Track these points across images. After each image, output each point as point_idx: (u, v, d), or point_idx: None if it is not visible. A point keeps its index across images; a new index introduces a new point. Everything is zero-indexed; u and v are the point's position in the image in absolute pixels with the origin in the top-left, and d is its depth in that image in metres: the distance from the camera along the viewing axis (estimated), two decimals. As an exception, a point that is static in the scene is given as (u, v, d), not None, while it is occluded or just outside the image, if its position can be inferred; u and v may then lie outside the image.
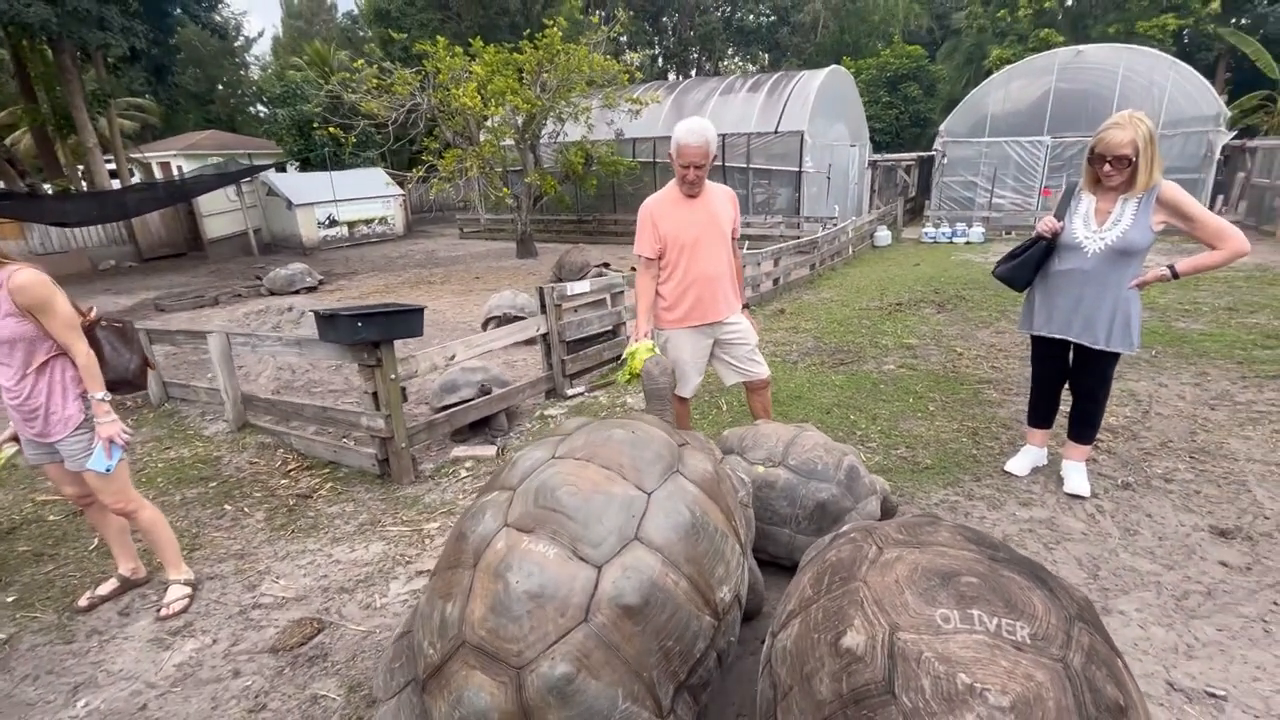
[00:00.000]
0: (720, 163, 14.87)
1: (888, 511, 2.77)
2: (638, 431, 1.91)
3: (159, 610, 2.65)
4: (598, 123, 13.37)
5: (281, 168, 19.85)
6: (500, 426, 4.71)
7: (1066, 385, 3.08)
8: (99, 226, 14.99)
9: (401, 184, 19.15)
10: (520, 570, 1.45)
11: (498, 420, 4.72)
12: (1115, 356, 2.75)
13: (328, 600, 2.72)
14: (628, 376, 2.78)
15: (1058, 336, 2.84)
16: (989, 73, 22.26)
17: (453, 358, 4.34)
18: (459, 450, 4.36)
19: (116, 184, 17.07)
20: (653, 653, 1.47)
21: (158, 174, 22.41)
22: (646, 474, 1.74)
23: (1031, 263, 2.86)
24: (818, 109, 14.34)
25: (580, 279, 10.84)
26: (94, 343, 2.46)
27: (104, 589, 2.75)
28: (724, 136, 14.66)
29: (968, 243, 13.77)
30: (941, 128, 15.45)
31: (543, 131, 13.04)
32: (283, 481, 4.01)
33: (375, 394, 3.78)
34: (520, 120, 12.09)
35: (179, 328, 5.81)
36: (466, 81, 10.46)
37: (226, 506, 3.66)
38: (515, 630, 1.39)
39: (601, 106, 12.50)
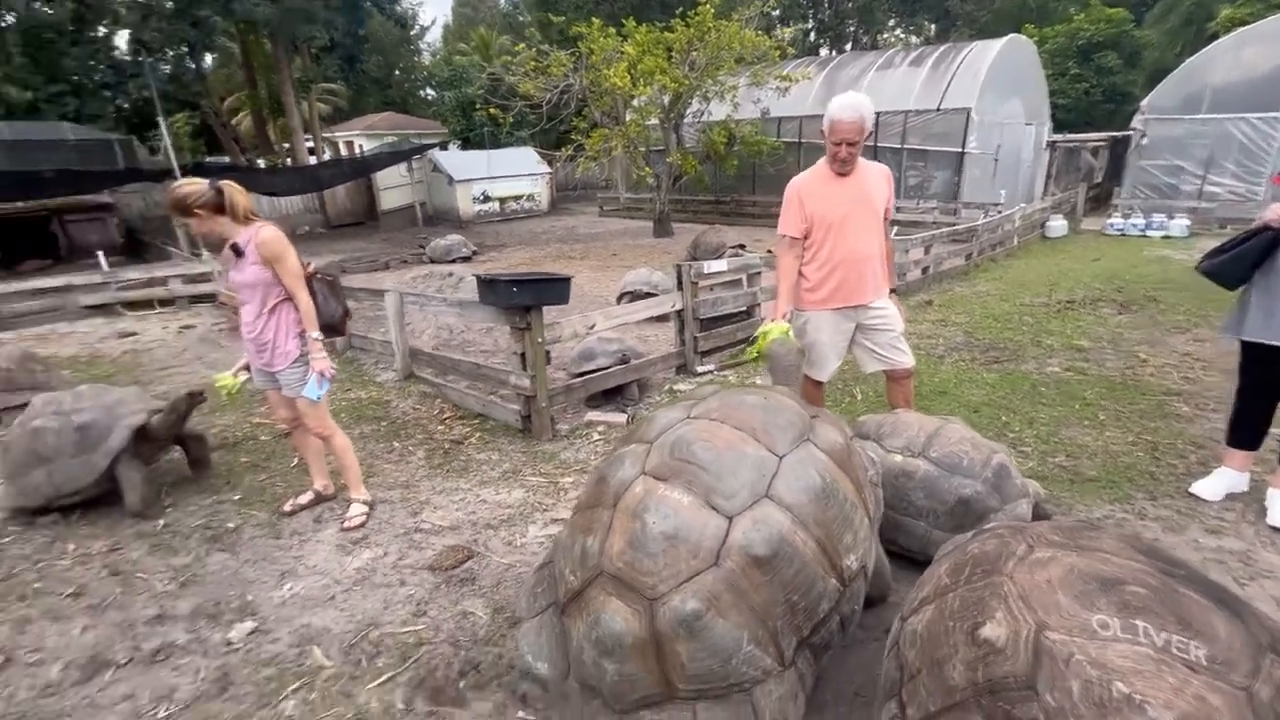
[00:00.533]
0: (872, 142, 14.04)
1: (1039, 517, 2.56)
2: (770, 399, 1.94)
3: (342, 522, 3.11)
4: (743, 101, 13.15)
5: (445, 146, 21.69)
6: (632, 396, 4.91)
7: (1282, 402, 2.64)
8: (298, 197, 17.33)
9: (550, 162, 20.13)
10: (657, 512, 1.55)
11: (629, 390, 4.92)
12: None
13: (476, 534, 3.04)
14: (755, 354, 2.80)
15: (1278, 343, 2.43)
16: (1213, 37, 18.86)
17: (593, 327, 4.57)
18: (592, 415, 4.60)
19: (313, 160, 19.61)
20: (778, 604, 1.52)
21: (343, 151, 25.43)
22: (779, 438, 1.77)
23: (1249, 257, 2.46)
24: (989, 83, 13.03)
25: (716, 259, 10.86)
26: (310, 293, 2.91)
27: (302, 499, 3.27)
28: (879, 115, 13.80)
29: (1165, 236, 11.91)
30: (1143, 103, 13.42)
31: (687, 111, 13.07)
32: (439, 427, 4.47)
33: (523, 355, 4.10)
34: (666, 100, 12.20)
35: (360, 286, 6.62)
36: (618, 62, 10.73)
37: (394, 444, 4.17)
38: (650, 565, 1.50)
39: (749, 85, 12.26)
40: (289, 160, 19.94)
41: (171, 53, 20.84)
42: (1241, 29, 13.17)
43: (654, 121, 12.83)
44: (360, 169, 15.90)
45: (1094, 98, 23.31)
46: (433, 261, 12.79)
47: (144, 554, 2.92)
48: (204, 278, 8.95)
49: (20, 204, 13.21)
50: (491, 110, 12.72)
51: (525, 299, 3.80)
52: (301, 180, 14.71)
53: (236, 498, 3.41)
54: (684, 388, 5.10)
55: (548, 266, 11.78)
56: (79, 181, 13.12)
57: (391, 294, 5.11)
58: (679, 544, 1.51)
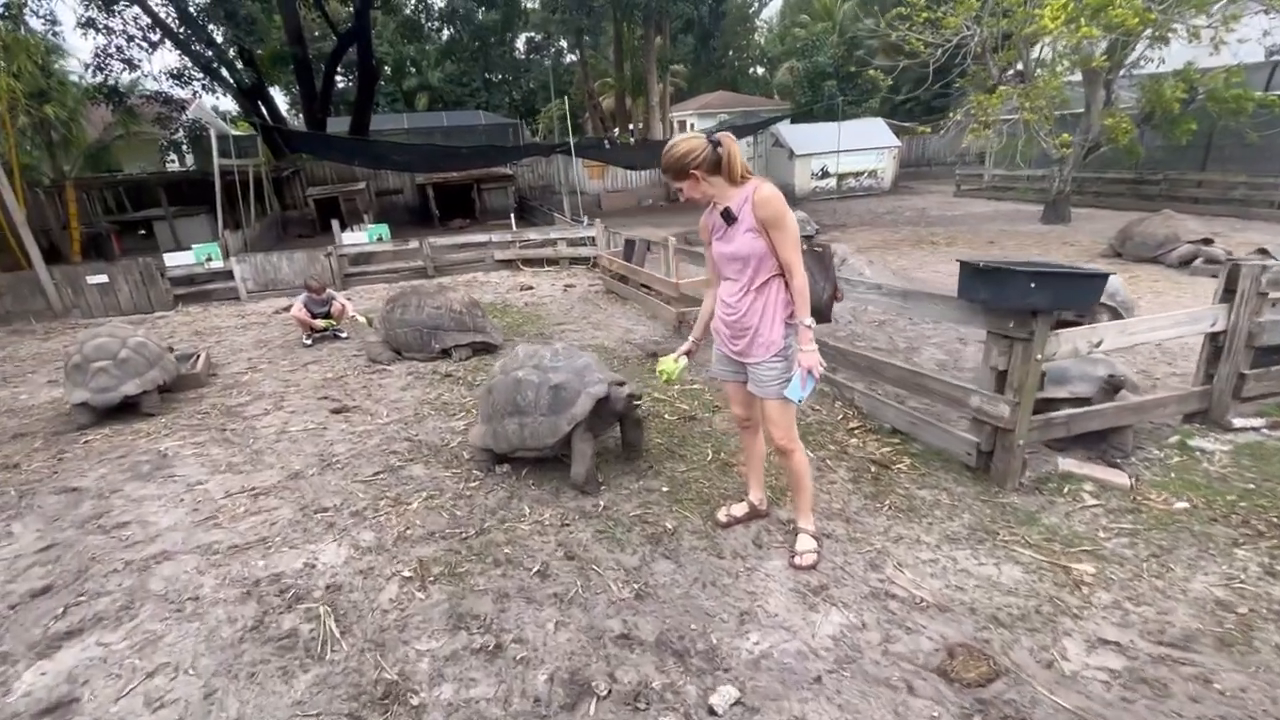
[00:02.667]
0: None
1: None
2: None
3: (793, 557, 2.52)
4: (1207, 41, 9.47)
5: (792, 120, 21.08)
6: (1123, 446, 3.49)
7: None
8: (644, 172, 18.53)
9: (902, 134, 18.00)
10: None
11: (1120, 437, 3.50)
12: None
13: (982, 629, 2.16)
14: None
15: None
16: None
17: (1099, 344, 3.26)
18: (1070, 464, 3.34)
19: (663, 137, 20.82)
20: None
21: (683, 130, 26.69)
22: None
23: None
24: None
25: (1165, 256, 8.06)
26: (796, 268, 2.31)
27: (737, 510, 2.80)
28: None
29: None
30: None
31: (1127, 58, 9.98)
32: (851, 439, 3.71)
33: (1002, 373, 3.04)
34: (1103, 45, 9.41)
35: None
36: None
37: (809, 452, 3.53)
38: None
39: (1231, 14, 8.70)
40: (645, 138, 21.51)
41: (554, 49, 24.10)
42: None
43: (1076, 76, 10.09)
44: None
45: None
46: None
47: (591, 539, 2.74)
48: (585, 241, 9.78)
49: (454, 174, 16.56)
50: (873, 72, 11.40)
51: (1041, 301, 2.72)
52: (652, 155, 15.51)
53: (665, 489, 3.11)
54: (1207, 446, 3.46)
55: (906, 251, 10.26)
56: (489, 157, 15.85)
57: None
58: None
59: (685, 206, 18.32)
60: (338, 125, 19.51)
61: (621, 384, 3.04)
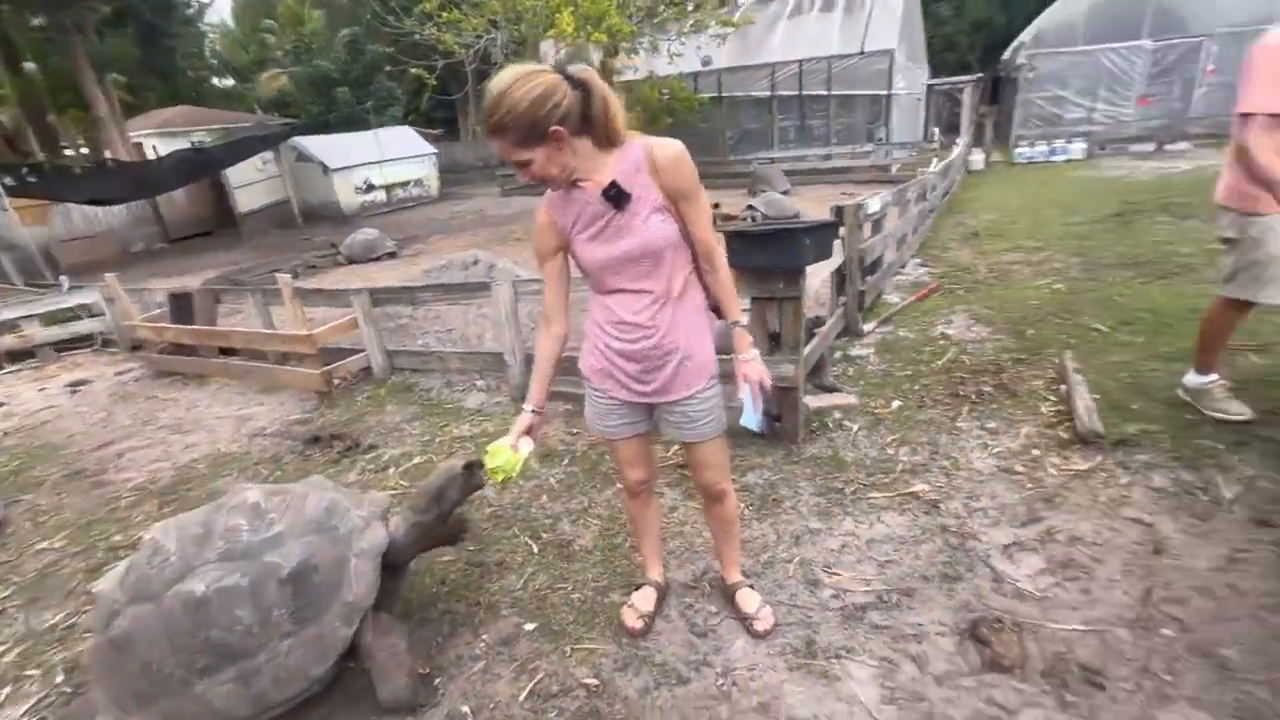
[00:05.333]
0: (798, 92, 13.88)
1: None
2: None
3: (751, 623, 1.94)
4: (670, 52, 12.21)
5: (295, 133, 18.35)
6: (827, 373, 4.01)
7: None
8: (123, 207, 13.66)
9: (433, 140, 17.84)
10: None
11: (823, 366, 4.02)
12: None
13: (950, 584, 2.04)
14: None
15: None
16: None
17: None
18: (814, 402, 3.65)
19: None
20: None
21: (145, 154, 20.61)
22: None
23: None
24: (904, 24, 13.34)
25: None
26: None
27: (643, 603, 2.03)
28: (801, 63, 13.65)
29: (1067, 160, 13.05)
30: (1025, 37, 14.52)
31: (617, 63, 11.92)
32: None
33: (778, 334, 3.05)
34: (601, 54, 10.96)
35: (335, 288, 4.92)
36: (564, 5, 9.28)
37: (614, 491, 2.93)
38: None
39: (688, 32, 11.37)
40: (106, 160, 15.72)
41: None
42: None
43: (587, 79, 11.52)
44: (213, 161, 12.73)
45: (935, 46, 25.35)
46: (351, 261, 10.68)
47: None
48: (75, 314, 6.43)
49: None
50: (416, 69, 10.54)
51: (811, 256, 2.75)
52: (138, 183, 11.44)
53: (533, 627, 2.05)
54: (860, 353, 4.28)
55: (502, 250, 10.19)
56: None
57: (503, 286, 3.70)
58: None
59: (197, 246, 14.27)
60: None
61: (438, 499, 1.83)
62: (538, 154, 1.39)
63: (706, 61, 12.66)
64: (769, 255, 2.73)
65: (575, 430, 3.52)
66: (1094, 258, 5.59)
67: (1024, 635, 1.82)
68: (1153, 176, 9.66)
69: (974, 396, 3.41)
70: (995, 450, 2.87)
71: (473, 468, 1.72)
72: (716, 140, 14.74)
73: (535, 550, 2.47)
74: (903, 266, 6.20)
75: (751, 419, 1.66)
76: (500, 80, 1.34)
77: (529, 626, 2.04)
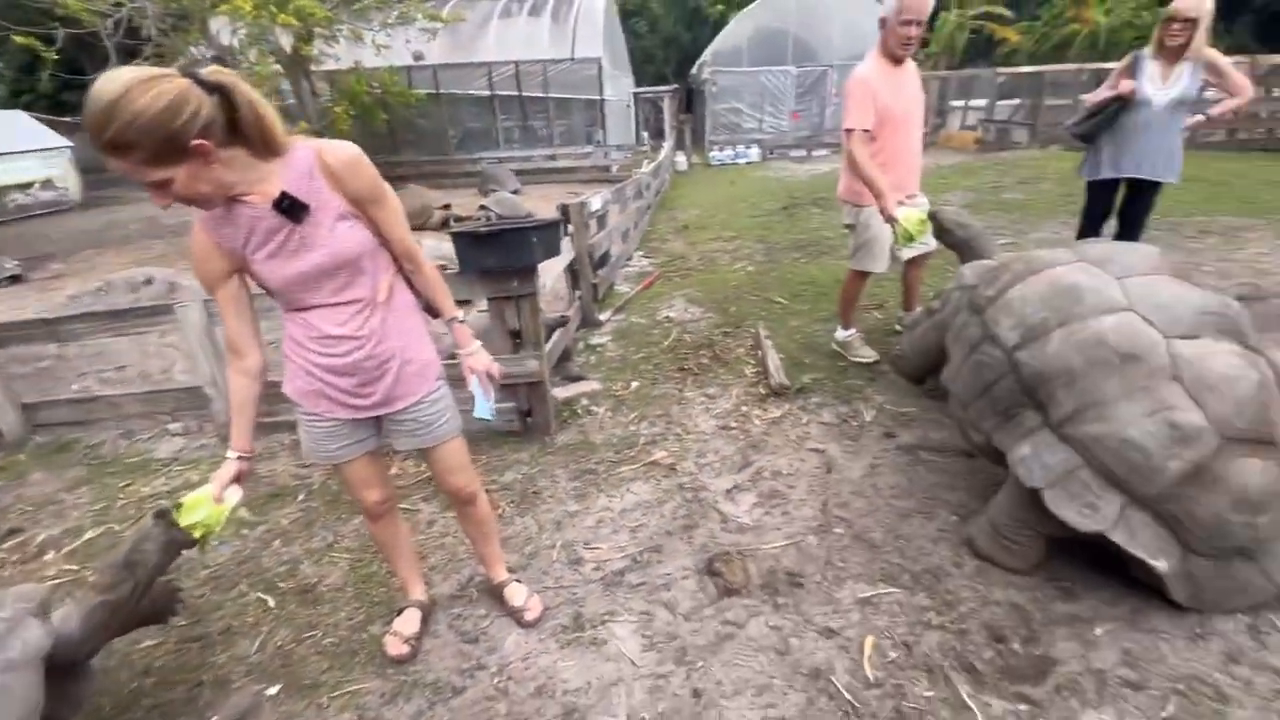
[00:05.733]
0: (517, 93, 14.07)
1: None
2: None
3: (521, 614, 1.99)
4: (376, 43, 11.39)
5: None
6: (570, 362, 4.24)
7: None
8: None
9: (66, 130, 13.98)
10: None
11: (568, 357, 4.23)
12: (1160, 186, 3.70)
13: (704, 545, 2.35)
14: (906, 239, 2.83)
15: (1127, 176, 3.68)
16: (695, 10, 24.52)
17: (544, 286, 3.72)
18: (561, 393, 3.83)
19: None
20: None
21: None
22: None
23: (1108, 120, 3.62)
24: (606, 34, 14.37)
25: (427, 224, 9.52)
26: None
27: (407, 626, 1.94)
28: (517, 64, 13.86)
29: (748, 163, 15.54)
30: (706, 56, 16.77)
31: (314, 52, 10.73)
32: (399, 475, 3.08)
33: (517, 332, 3.12)
34: (291, 39, 9.75)
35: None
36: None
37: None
38: None
39: (394, 23, 10.70)
40: None
41: None
42: (751, 6, 17.35)
43: (277, 67, 10.15)
44: None
45: (636, 59, 27.87)
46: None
47: None
48: None
49: None
50: (22, 38, 7.89)
51: (541, 253, 2.87)
52: None
53: (277, 690, 1.79)
54: (600, 341, 4.62)
55: (180, 266, 8.47)
56: None
57: (191, 307, 3.11)
58: None
59: None
60: None
61: (122, 576, 1.46)
62: (179, 173, 1.20)
63: (418, 56, 12.09)
64: (499, 256, 2.77)
65: (308, 463, 3.15)
66: (772, 243, 6.78)
67: (746, 561, 2.19)
68: (807, 177, 12.03)
69: (695, 369, 3.91)
70: (714, 412, 3.34)
71: (166, 516, 1.45)
72: (440, 139, 14.21)
73: (272, 604, 2.17)
74: (629, 259, 6.78)
75: (485, 409, 1.69)
76: (108, 87, 1.11)
77: (272, 691, 1.80)
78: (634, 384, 3.83)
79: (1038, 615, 1.81)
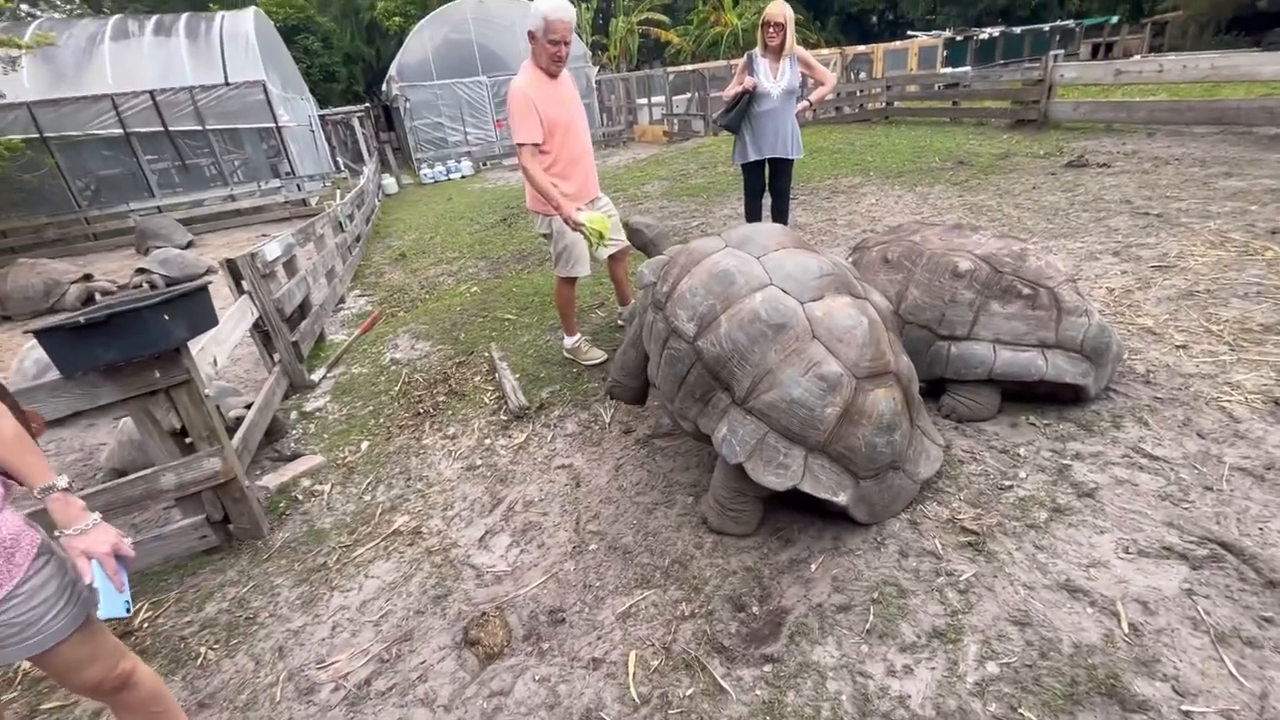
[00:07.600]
0: (162, 128, 11.68)
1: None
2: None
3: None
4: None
5: None
6: (282, 437, 3.64)
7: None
8: None
9: None
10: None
11: (281, 433, 3.63)
12: (793, 162, 4.39)
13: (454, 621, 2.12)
14: (598, 239, 2.89)
15: (766, 157, 4.29)
16: (372, 24, 23.18)
17: (214, 362, 3.08)
18: (274, 480, 3.26)
19: None
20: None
21: None
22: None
23: (741, 112, 4.17)
24: (264, 56, 12.67)
25: (61, 302, 7.50)
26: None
27: None
28: (153, 94, 11.51)
29: (463, 176, 15.15)
30: (392, 72, 15.84)
31: None
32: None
33: (181, 430, 2.53)
34: None
35: None
36: None
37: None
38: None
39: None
40: None
41: None
42: (431, 15, 16.77)
43: None
44: None
45: (315, 77, 25.27)
46: None
47: None
48: None
49: None
50: None
51: (185, 330, 2.33)
52: None
53: None
54: (316, 406, 4.07)
55: None
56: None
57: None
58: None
59: None
60: None
61: None
62: None
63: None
64: (119, 346, 2.17)
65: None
66: (495, 257, 6.66)
67: (505, 614, 2.04)
68: (521, 186, 12.15)
69: (432, 409, 3.62)
70: (458, 453, 3.12)
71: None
72: (60, 194, 11.22)
73: None
74: (341, 301, 6.08)
75: (117, 605, 1.25)
76: None
77: None
78: (364, 445, 3.40)
79: (766, 571, 1.99)
